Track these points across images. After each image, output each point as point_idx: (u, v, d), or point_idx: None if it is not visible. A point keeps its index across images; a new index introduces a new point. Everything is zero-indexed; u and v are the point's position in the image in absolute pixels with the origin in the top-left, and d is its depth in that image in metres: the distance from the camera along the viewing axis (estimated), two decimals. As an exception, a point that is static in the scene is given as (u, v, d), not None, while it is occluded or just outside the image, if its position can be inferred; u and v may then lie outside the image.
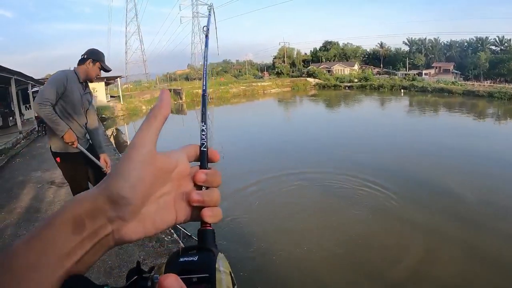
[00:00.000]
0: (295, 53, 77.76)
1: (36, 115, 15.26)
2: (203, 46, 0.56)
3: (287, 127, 20.23)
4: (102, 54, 3.54)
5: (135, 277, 0.38)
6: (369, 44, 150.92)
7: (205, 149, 0.45)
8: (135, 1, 75.09)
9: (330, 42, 78.83)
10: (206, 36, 0.56)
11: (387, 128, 17.38)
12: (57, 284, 0.33)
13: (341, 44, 79.51)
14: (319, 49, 78.82)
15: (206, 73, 0.52)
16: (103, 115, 25.09)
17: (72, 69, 3.44)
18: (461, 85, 37.24)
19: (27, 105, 20.35)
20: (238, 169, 9.61)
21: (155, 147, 0.39)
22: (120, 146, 16.21)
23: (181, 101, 37.10)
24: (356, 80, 47.26)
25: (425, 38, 73.02)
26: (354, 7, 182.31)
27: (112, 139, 17.86)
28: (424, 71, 56.51)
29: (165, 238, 4.29)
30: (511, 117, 22.37)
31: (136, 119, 27.24)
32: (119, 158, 3.67)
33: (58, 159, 3.49)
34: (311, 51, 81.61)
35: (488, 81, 49.09)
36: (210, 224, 0.43)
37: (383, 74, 59.96)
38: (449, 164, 9.81)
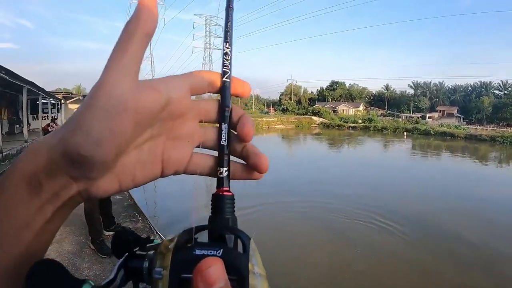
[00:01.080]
0: (302, 91, 79.03)
1: (43, 126, 15.70)
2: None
3: (290, 163, 20.28)
4: None
5: (125, 254, 0.31)
6: (375, 85, 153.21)
7: (228, 80, 0.35)
8: (150, 26, 76.57)
9: (337, 82, 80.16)
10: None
11: (388, 169, 17.40)
12: (19, 261, 0.27)
13: (347, 85, 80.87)
14: (326, 88, 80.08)
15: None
16: None
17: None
18: (463, 129, 37.56)
19: (35, 116, 20.66)
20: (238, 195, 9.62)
21: (135, 81, 0.28)
22: None
23: None
24: (360, 121, 47.84)
25: (430, 82, 74.45)
26: (362, 50, 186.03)
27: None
28: (428, 114, 57.05)
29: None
30: None
31: None
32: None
33: None
34: (317, 90, 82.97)
35: (491, 125, 49.45)
36: (229, 187, 0.33)
37: (387, 116, 60.65)
38: (451, 208, 9.81)
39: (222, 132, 0.34)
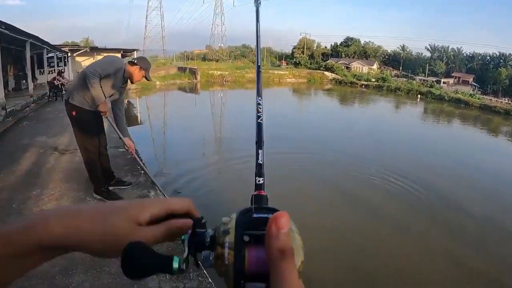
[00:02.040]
0: (315, 45, 76.94)
1: (49, 80, 15.77)
2: (254, 25, 0.62)
3: (300, 118, 20.14)
4: (150, 64, 4.21)
5: (189, 231, 0.44)
6: (391, 45, 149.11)
7: (261, 122, 0.49)
8: (159, -24, 74.04)
9: (352, 39, 77.73)
10: (257, 10, 0.58)
11: (397, 130, 17.37)
12: None
13: (362, 42, 78.44)
14: (340, 44, 77.75)
15: (259, 48, 0.57)
16: None
17: (125, 62, 4.11)
18: (478, 99, 36.69)
19: (41, 70, 20.45)
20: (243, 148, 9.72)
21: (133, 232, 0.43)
22: (130, 119, 16.21)
23: (195, 81, 36.96)
24: (373, 80, 46.74)
25: (448, 47, 72.18)
26: (380, 7, 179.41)
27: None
28: (443, 79, 55.68)
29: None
30: None
31: (149, 94, 27.58)
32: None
33: (74, 113, 3.94)
34: (331, 45, 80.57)
35: (506, 98, 48.40)
36: (263, 189, 0.44)
37: (401, 77, 59.26)
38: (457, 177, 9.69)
39: (260, 155, 0.47)
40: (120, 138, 4.31)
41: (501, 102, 37.51)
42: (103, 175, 4.46)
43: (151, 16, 75.13)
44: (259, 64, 0.55)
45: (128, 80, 4.14)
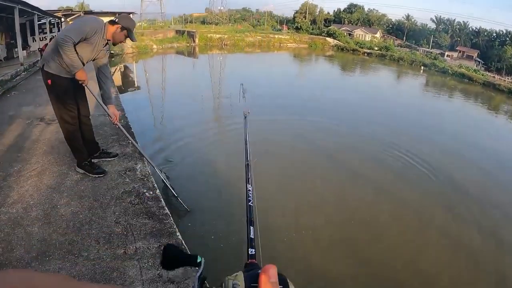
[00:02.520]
0: (318, 10, 74.89)
1: (41, 47, 14.98)
2: None
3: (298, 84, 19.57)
4: (133, 23, 3.67)
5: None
6: (395, 14, 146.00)
7: (252, 204, 0.58)
8: None
9: (356, 5, 75.62)
10: None
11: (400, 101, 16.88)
12: None
13: (366, 9, 76.55)
14: (343, 10, 75.81)
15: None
16: (112, 51, 24.21)
17: (104, 22, 3.56)
18: (482, 75, 35.81)
19: (34, 37, 19.51)
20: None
21: None
22: (127, 83, 16.32)
23: (194, 44, 36.07)
24: (376, 48, 45.50)
25: (454, 20, 70.16)
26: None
27: (119, 76, 18.19)
28: (447, 52, 54.63)
29: (146, 194, 3.73)
30: None
31: (146, 58, 27.17)
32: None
33: (49, 82, 3.53)
34: (334, 11, 78.50)
35: (509, 77, 47.63)
36: (255, 259, 0.51)
37: (404, 47, 57.86)
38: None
39: (251, 231, 0.54)
40: (101, 105, 3.98)
41: (505, 80, 36.75)
42: (87, 146, 4.13)
43: None
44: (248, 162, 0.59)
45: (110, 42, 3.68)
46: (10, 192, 3.61)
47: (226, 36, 39.96)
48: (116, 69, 19.91)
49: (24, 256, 2.67)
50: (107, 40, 3.61)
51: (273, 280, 0.41)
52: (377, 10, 78.01)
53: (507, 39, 62.79)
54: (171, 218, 3.36)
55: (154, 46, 30.99)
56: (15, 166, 4.26)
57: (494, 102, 24.37)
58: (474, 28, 69.48)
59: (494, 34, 66.90)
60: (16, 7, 12.31)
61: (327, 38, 49.15)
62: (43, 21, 20.52)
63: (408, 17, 74.90)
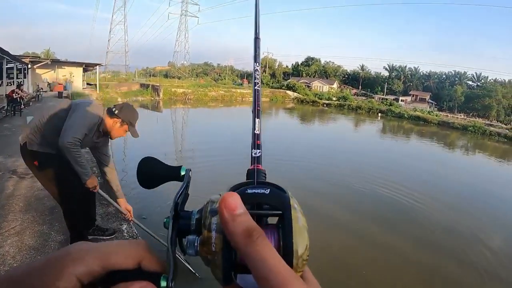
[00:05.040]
0: (277, 64, 77.72)
1: (7, 93, 14.21)
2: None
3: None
4: (136, 116, 3.17)
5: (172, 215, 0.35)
6: (350, 65, 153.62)
7: (259, 88, 0.42)
8: (125, -11, 72.90)
9: (312, 58, 79.29)
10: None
11: (362, 146, 17.15)
12: None
13: (322, 62, 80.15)
14: (301, 64, 79.11)
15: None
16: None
17: (102, 110, 3.08)
18: (436, 115, 37.55)
19: (2, 81, 18.83)
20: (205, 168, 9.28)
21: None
22: None
23: (158, 98, 35.82)
24: (334, 99, 47.09)
25: (405, 66, 74.73)
26: (340, 28, 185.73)
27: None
28: (401, 97, 57.24)
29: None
30: (483, 150, 22.82)
31: None
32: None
33: (36, 163, 2.99)
34: (292, 64, 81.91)
35: (461, 114, 50.08)
36: (261, 163, 0.38)
37: (360, 95, 60.42)
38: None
39: (256, 124, 0.40)
40: (111, 203, 3.46)
41: (457, 117, 38.57)
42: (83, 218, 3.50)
43: (115, 31, 73.26)
44: (257, 31, 0.54)
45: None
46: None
47: (189, 90, 40.16)
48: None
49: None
50: (105, 133, 3.14)
51: (239, 210, 0.30)
52: (333, 62, 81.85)
53: (456, 79, 67.04)
54: None
55: (119, 99, 30.60)
56: (-9, 223, 3.88)
57: (449, 139, 25.47)
58: (425, 72, 73.97)
59: (444, 76, 71.35)
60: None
61: (287, 91, 50.52)
62: (10, 65, 19.90)
63: (362, 67, 78.90)
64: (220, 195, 0.33)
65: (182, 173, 0.39)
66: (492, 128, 32.04)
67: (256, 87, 0.42)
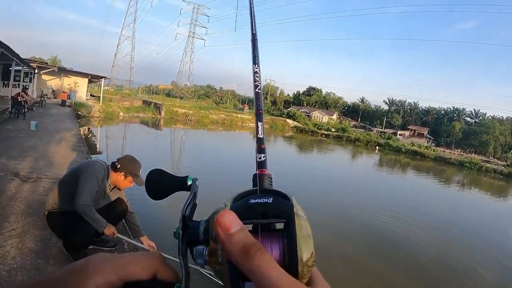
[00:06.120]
0: (279, 92, 78.64)
1: (13, 95, 14.45)
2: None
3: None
4: (138, 167, 3.30)
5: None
6: (351, 97, 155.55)
7: (260, 91, 0.44)
8: (137, 6, 74.57)
9: (314, 89, 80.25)
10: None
11: (359, 179, 17.24)
12: None
13: (323, 92, 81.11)
14: (302, 93, 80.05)
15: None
16: (79, 112, 24.12)
17: (107, 167, 3.25)
18: (433, 151, 37.89)
19: (6, 82, 19.30)
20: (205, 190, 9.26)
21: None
22: (90, 147, 15.42)
23: (159, 116, 35.93)
24: (333, 130, 47.53)
25: (405, 101, 75.66)
26: (343, 61, 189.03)
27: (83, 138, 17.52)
28: (399, 131, 57.79)
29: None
30: (479, 187, 22.95)
31: (111, 124, 26.54)
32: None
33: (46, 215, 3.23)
34: (294, 93, 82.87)
35: (458, 150, 50.46)
36: (266, 167, 0.39)
37: (359, 127, 60.94)
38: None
39: (259, 128, 0.41)
40: (132, 243, 3.62)
41: (454, 153, 38.90)
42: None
43: (123, 46, 74.43)
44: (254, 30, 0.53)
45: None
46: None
47: (191, 111, 40.28)
48: (82, 132, 19.53)
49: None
50: (113, 186, 3.34)
51: (234, 229, 0.29)
52: (334, 93, 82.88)
53: (455, 115, 67.80)
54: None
55: (121, 114, 30.71)
56: (-7, 224, 3.89)
57: (445, 175, 25.56)
58: (424, 108, 74.86)
59: (443, 112, 72.16)
60: (-2, 50, 11.68)
61: (287, 120, 51.05)
62: (17, 68, 19.81)
63: (362, 100, 79.89)
64: (225, 205, 0.34)
65: (189, 182, 0.41)
66: (488, 165, 32.51)
67: (256, 90, 0.43)
